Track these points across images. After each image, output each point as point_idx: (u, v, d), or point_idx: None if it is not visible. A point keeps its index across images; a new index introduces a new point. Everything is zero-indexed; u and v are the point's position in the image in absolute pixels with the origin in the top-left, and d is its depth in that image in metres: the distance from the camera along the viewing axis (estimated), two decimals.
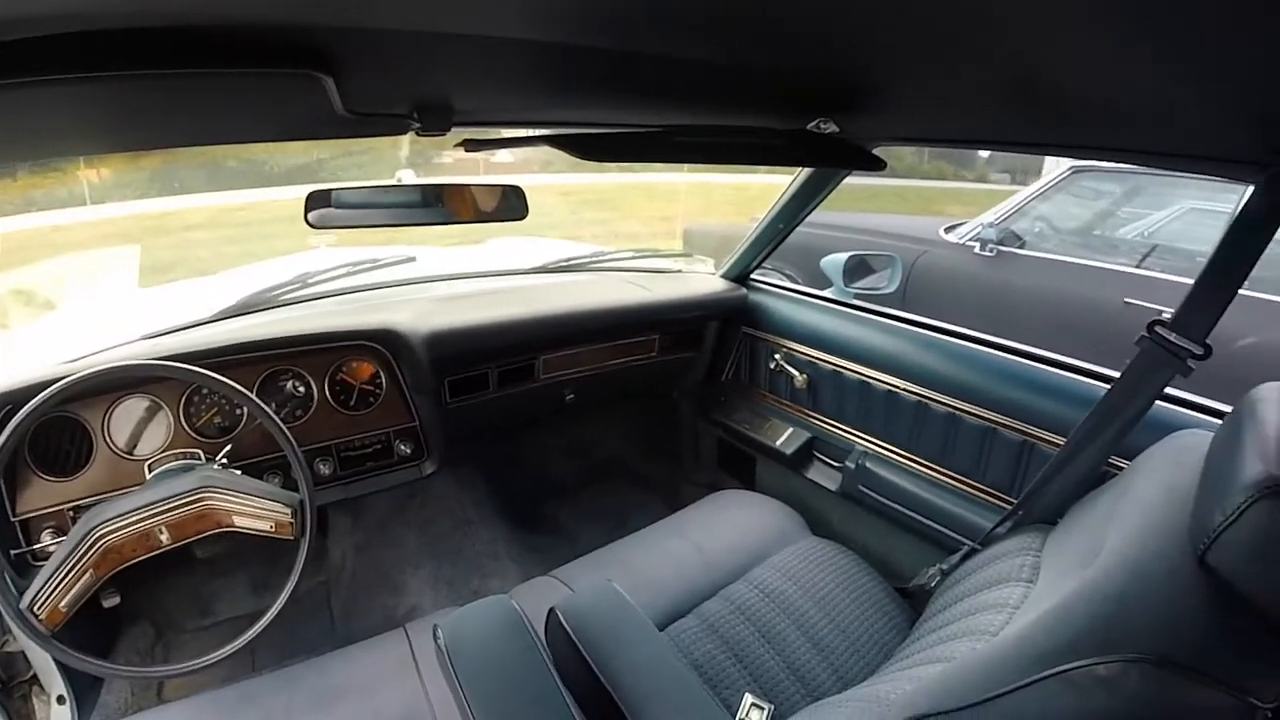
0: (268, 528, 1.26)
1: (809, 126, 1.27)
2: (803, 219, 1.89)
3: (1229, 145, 1.10)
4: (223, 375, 1.27)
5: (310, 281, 1.79)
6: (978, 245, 3.52)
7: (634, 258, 2.24)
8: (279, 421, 1.29)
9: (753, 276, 2.11)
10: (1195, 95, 0.84)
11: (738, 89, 1.00)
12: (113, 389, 1.35)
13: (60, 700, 1.39)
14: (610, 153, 1.11)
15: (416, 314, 1.64)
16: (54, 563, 1.13)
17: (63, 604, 1.12)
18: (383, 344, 1.59)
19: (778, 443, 1.95)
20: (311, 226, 1.12)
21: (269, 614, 1.28)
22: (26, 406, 1.10)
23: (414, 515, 2.09)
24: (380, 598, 1.92)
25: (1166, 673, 0.64)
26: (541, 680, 1.04)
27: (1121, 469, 1.13)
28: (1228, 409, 0.85)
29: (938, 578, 1.42)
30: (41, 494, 1.29)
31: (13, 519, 1.27)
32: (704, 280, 2.11)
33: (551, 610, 1.15)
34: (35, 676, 1.41)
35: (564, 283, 2.02)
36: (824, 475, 1.90)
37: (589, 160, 1.03)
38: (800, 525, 1.66)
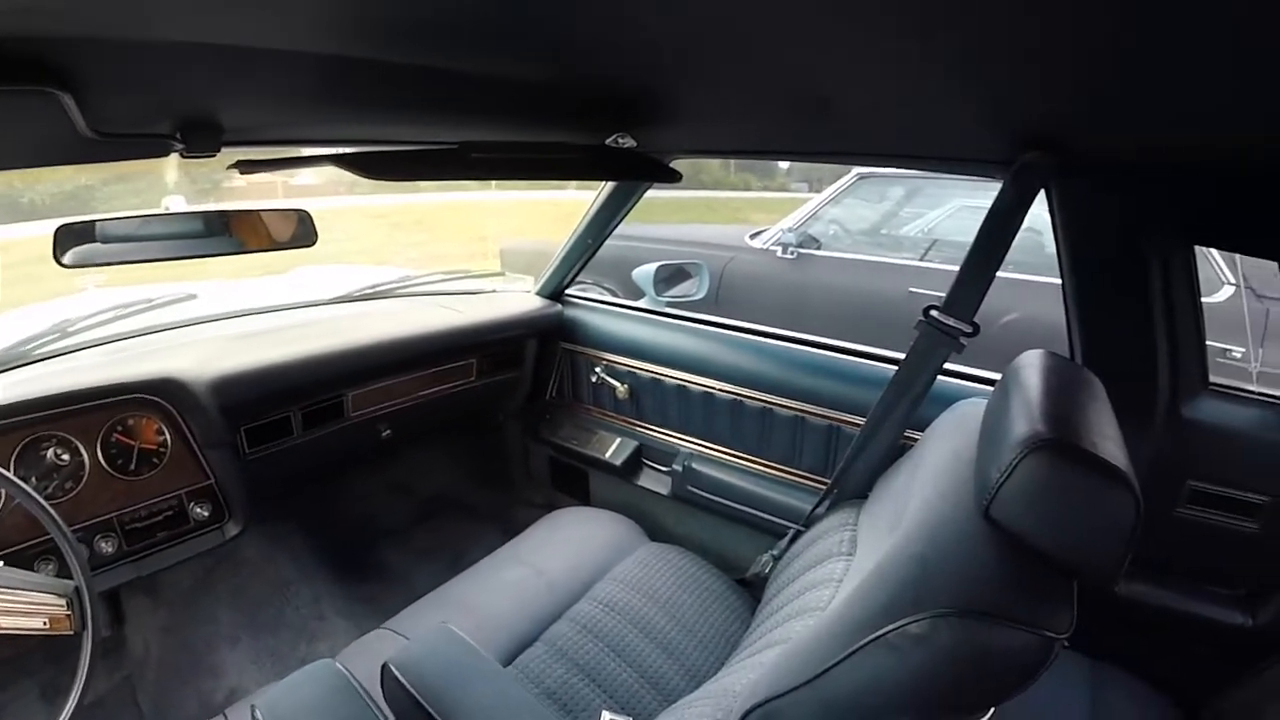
0: (40, 624, 1.07)
1: (607, 141, 1.31)
2: (610, 232, 1.95)
3: (980, 147, 1.26)
4: None
5: (71, 330, 1.58)
6: (780, 249, 3.77)
7: (445, 280, 2.20)
8: (38, 498, 1.09)
9: (568, 292, 2.14)
10: (950, 106, 0.96)
11: (535, 104, 1.01)
12: None
13: None
14: (401, 171, 1.08)
15: (200, 357, 1.49)
16: None
17: None
18: (161, 395, 1.40)
19: (607, 455, 1.98)
20: (65, 267, 1.01)
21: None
22: None
23: (223, 585, 1.86)
24: (195, 683, 1.70)
25: (971, 621, 0.70)
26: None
27: (916, 440, 1.25)
28: (999, 377, 0.96)
29: (770, 564, 1.50)
30: None
31: None
32: (519, 299, 2.11)
33: (384, 665, 1.08)
34: None
35: (371, 311, 1.94)
36: (655, 481, 1.95)
37: (379, 180, 1.00)
38: (638, 533, 1.70)
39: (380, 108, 1.02)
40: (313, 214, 1.24)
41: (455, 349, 1.89)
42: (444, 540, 2.23)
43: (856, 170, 3.81)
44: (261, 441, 1.59)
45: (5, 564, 1.14)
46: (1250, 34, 0.53)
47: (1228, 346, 2.50)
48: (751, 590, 1.53)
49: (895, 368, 1.40)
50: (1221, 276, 2.84)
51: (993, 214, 1.23)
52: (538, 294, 2.12)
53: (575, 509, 1.82)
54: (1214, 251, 2.79)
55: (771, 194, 10.98)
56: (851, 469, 1.42)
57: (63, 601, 1.09)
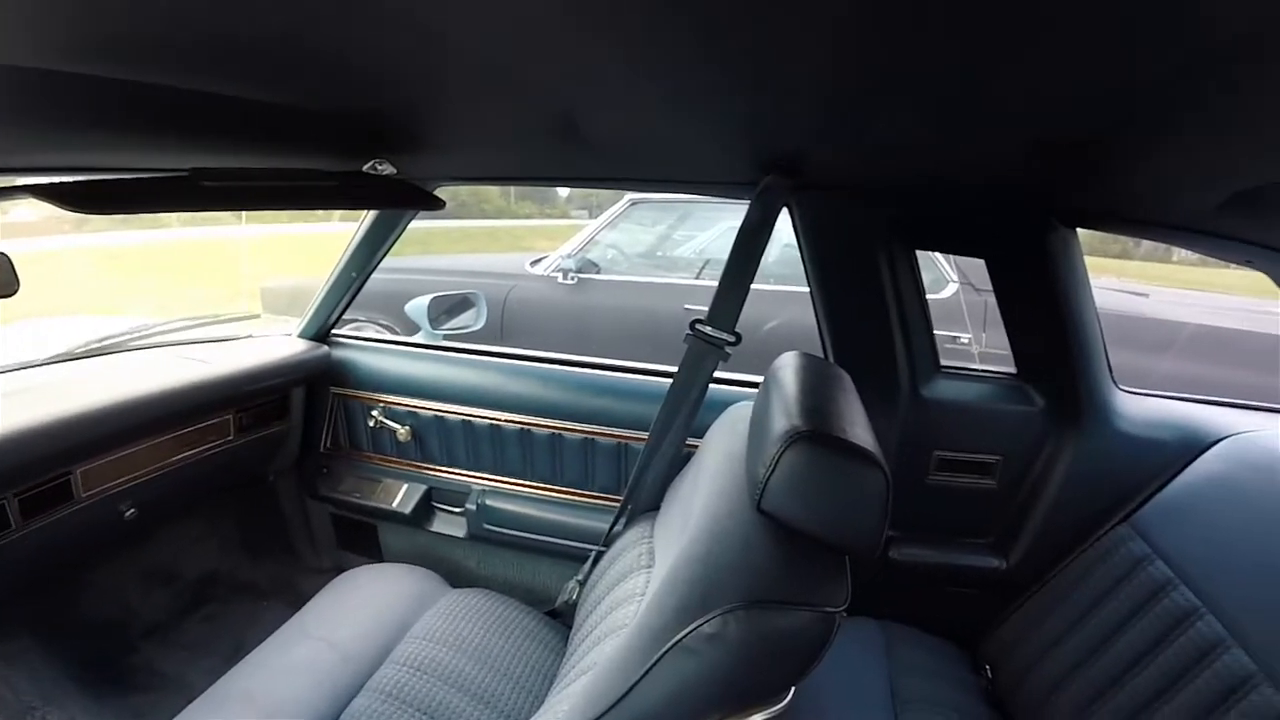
0: None
1: (365, 168, 1.26)
2: (376, 265, 1.87)
3: (728, 170, 1.39)
4: None
5: None
6: (560, 275, 3.84)
7: (192, 326, 1.97)
8: None
9: (335, 332, 2.01)
10: (698, 134, 1.04)
11: (280, 128, 0.95)
12: None
13: None
14: (117, 203, 0.97)
15: None
16: None
17: None
18: None
19: (394, 504, 1.88)
20: None
21: None
22: None
23: None
24: None
25: (756, 611, 0.75)
26: None
27: (696, 448, 1.32)
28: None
29: (577, 590, 1.50)
30: None
31: None
32: (280, 343, 1.93)
33: None
34: None
35: (102, 370, 1.67)
36: (449, 524, 1.88)
37: (90, 213, 0.88)
38: (437, 583, 1.61)
39: (92, 129, 0.91)
40: (24, 256, 1.06)
41: (206, 405, 1.67)
42: (221, 628, 1.96)
43: (629, 196, 3.97)
44: None
45: None
46: (923, 89, 0.66)
47: (956, 334, 2.96)
48: (563, 620, 1.52)
49: (668, 380, 1.46)
50: (947, 276, 3.33)
51: (742, 231, 1.35)
52: (301, 336, 1.96)
53: (365, 568, 1.68)
54: (939, 258, 3.29)
55: (553, 221, 11.15)
56: (641, 483, 1.47)
57: None
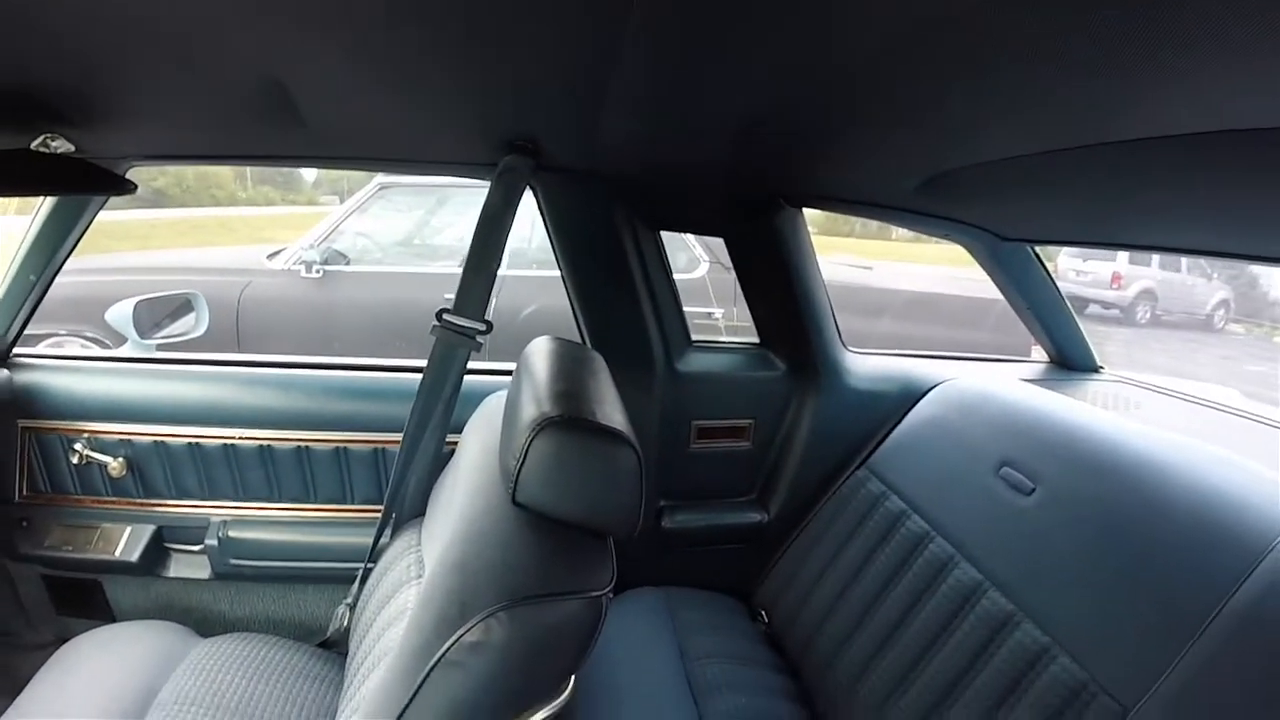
0: None
1: (33, 145, 1.06)
2: (61, 264, 1.55)
3: (465, 150, 1.32)
4: None
5: None
6: (303, 269, 3.53)
7: None
8: None
9: (17, 351, 1.65)
10: (429, 114, 1.00)
11: None
12: None
13: None
14: None
15: None
16: None
17: None
18: None
19: (117, 552, 1.60)
20: None
21: None
22: None
23: None
24: None
25: (520, 609, 0.73)
26: None
27: (457, 444, 1.28)
28: None
29: (347, 614, 1.40)
30: None
31: None
32: None
33: None
34: None
35: None
36: (189, 566, 1.65)
37: None
38: (184, 635, 1.41)
39: None
40: None
41: None
42: None
43: (377, 179, 3.73)
44: None
45: None
46: (625, 87, 0.67)
47: (710, 310, 3.19)
48: (338, 648, 1.41)
49: (419, 375, 1.40)
50: (699, 256, 3.55)
51: (484, 214, 1.29)
52: None
53: (93, 632, 1.42)
54: (690, 239, 3.50)
55: (298, 209, 10.27)
56: (402, 489, 1.39)
57: None
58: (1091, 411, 1.33)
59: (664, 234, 1.61)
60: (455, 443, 1.34)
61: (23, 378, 1.61)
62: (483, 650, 0.72)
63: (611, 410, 0.85)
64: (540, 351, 0.99)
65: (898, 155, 0.99)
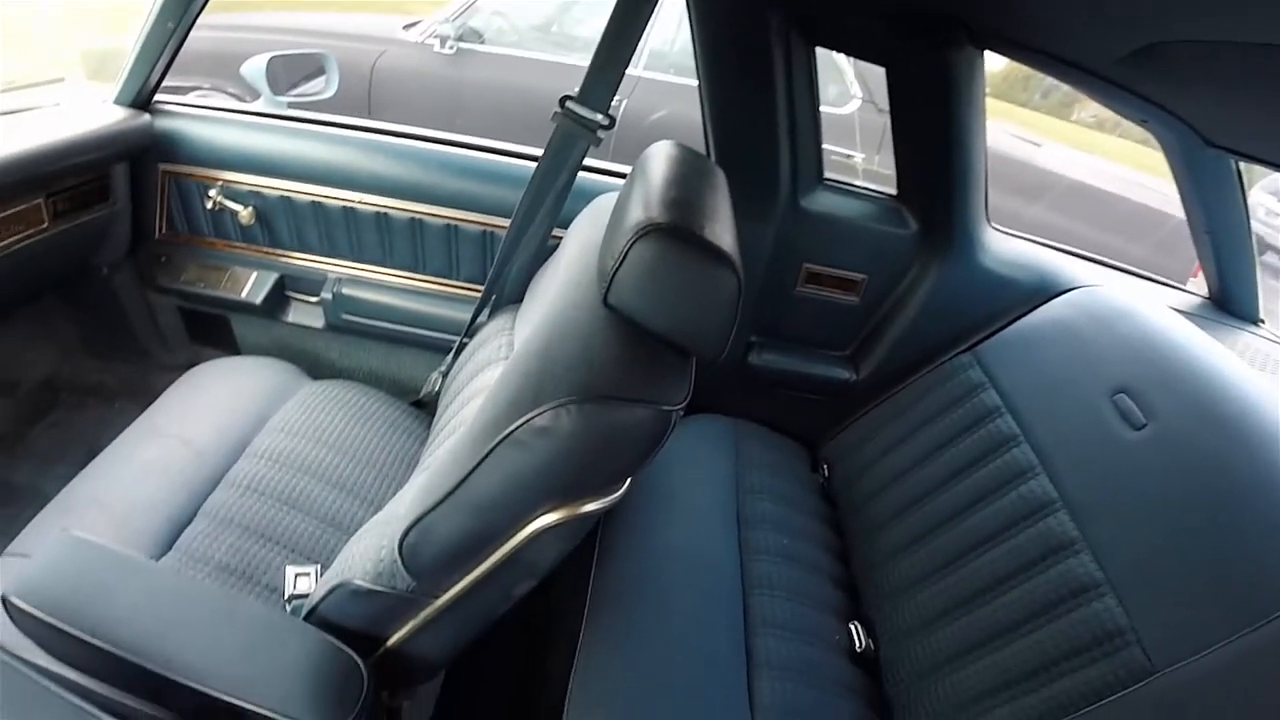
0: None
1: None
2: (198, 12, 1.52)
3: None
4: None
5: None
6: (437, 43, 3.42)
7: None
8: None
9: (158, 98, 1.69)
10: None
11: None
12: None
13: None
14: None
15: None
16: None
17: None
18: None
19: (244, 294, 1.73)
20: None
21: None
22: None
23: None
24: None
25: (592, 405, 0.73)
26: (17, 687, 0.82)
27: (561, 239, 1.25)
28: None
29: (439, 381, 1.49)
30: None
31: None
32: (91, 113, 1.61)
33: (3, 600, 0.90)
34: None
35: None
36: (306, 314, 1.77)
37: None
38: (295, 375, 1.54)
39: None
40: None
41: (9, 189, 1.41)
42: (72, 435, 1.85)
43: None
44: None
45: None
46: None
47: (850, 152, 2.90)
48: (428, 410, 1.52)
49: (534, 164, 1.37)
50: (853, 91, 3.21)
51: (621, 2, 1.22)
52: (116, 103, 1.64)
53: (218, 361, 1.58)
54: (848, 70, 3.16)
55: None
56: (504, 273, 1.42)
57: None
58: (1235, 363, 1.16)
59: (819, 57, 1.45)
60: (560, 238, 1.33)
61: (163, 124, 1.66)
62: (548, 436, 0.74)
63: (722, 230, 0.81)
64: (660, 155, 0.93)
65: (1120, 5, 0.82)
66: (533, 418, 0.74)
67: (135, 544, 1.14)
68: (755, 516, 1.35)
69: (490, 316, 1.45)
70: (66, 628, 0.87)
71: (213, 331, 1.88)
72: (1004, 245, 1.55)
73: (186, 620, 0.92)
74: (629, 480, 0.86)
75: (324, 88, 1.91)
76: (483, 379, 1.16)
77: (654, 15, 1.24)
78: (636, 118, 3.13)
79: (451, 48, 3.41)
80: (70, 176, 1.54)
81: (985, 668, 1.03)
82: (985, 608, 1.08)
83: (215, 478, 1.27)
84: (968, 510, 1.20)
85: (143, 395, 1.79)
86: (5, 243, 1.45)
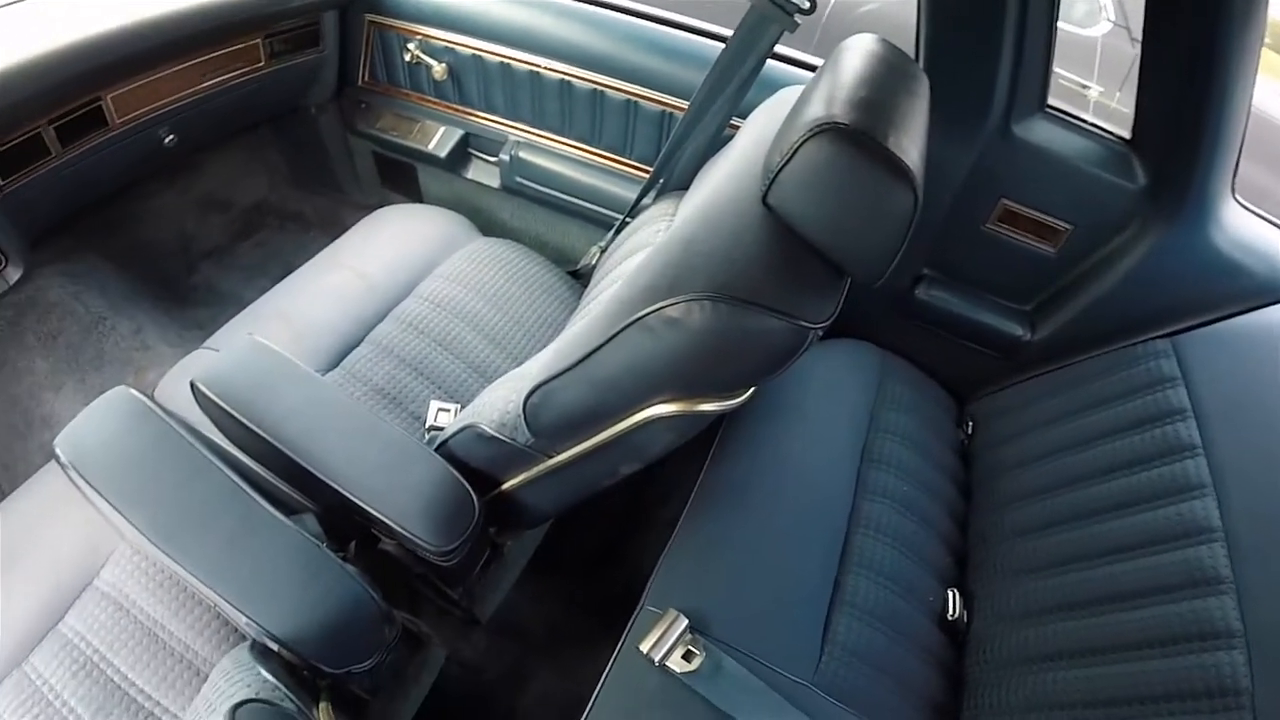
0: None
1: None
2: None
3: None
4: None
5: None
6: None
7: None
8: None
9: None
10: None
11: None
12: None
13: None
14: None
15: None
16: None
17: None
18: None
19: (430, 146, 1.78)
20: None
21: None
22: None
23: (32, 334, 1.68)
24: (32, 438, 1.60)
25: (726, 305, 0.70)
26: (179, 451, 0.97)
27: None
28: None
29: (597, 255, 1.52)
30: None
31: None
32: None
33: (192, 384, 1.05)
34: None
35: None
36: (484, 173, 1.81)
37: None
38: (468, 229, 1.61)
39: None
40: None
41: (232, 28, 1.51)
42: (273, 253, 2.07)
43: None
44: (16, 170, 1.29)
45: None
46: None
47: (1087, 83, 2.42)
48: (582, 281, 1.55)
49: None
50: (1105, 11, 2.70)
51: None
52: None
53: (400, 206, 1.68)
54: None
55: None
56: (675, 157, 1.37)
57: None
58: None
59: None
60: (738, 127, 1.27)
61: None
62: (676, 327, 0.72)
63: (909, 142, 0.69)
64: (857, 49, 0.80)
65: None
66: (664, 306, 0.72)
67: (307, 357, 1.27)
68: (882, 456, 1.25)
69: (655, 199, 1.43)
70: (238, 415, 1.02)
71: (400, 178, 1.97)
72: (1244, 224, 1.25)
73: (337, 429, 1.04)
74: (752, 389, 0.84)
75: None
76: (634, 261, 1.12)
77: None
78: (844, 8, 2.78)
79: None
80: (285, 20, 1.62)
81: (1076, 679, 0.93)
82: (1098, 619, 0.96)
83: (383, 311, 1.39)
84: (1114, 512, 1.05)
85: (334, 227, 1.97)
86: (228, 76, 1.58)
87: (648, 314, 0.73)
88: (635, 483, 1.02)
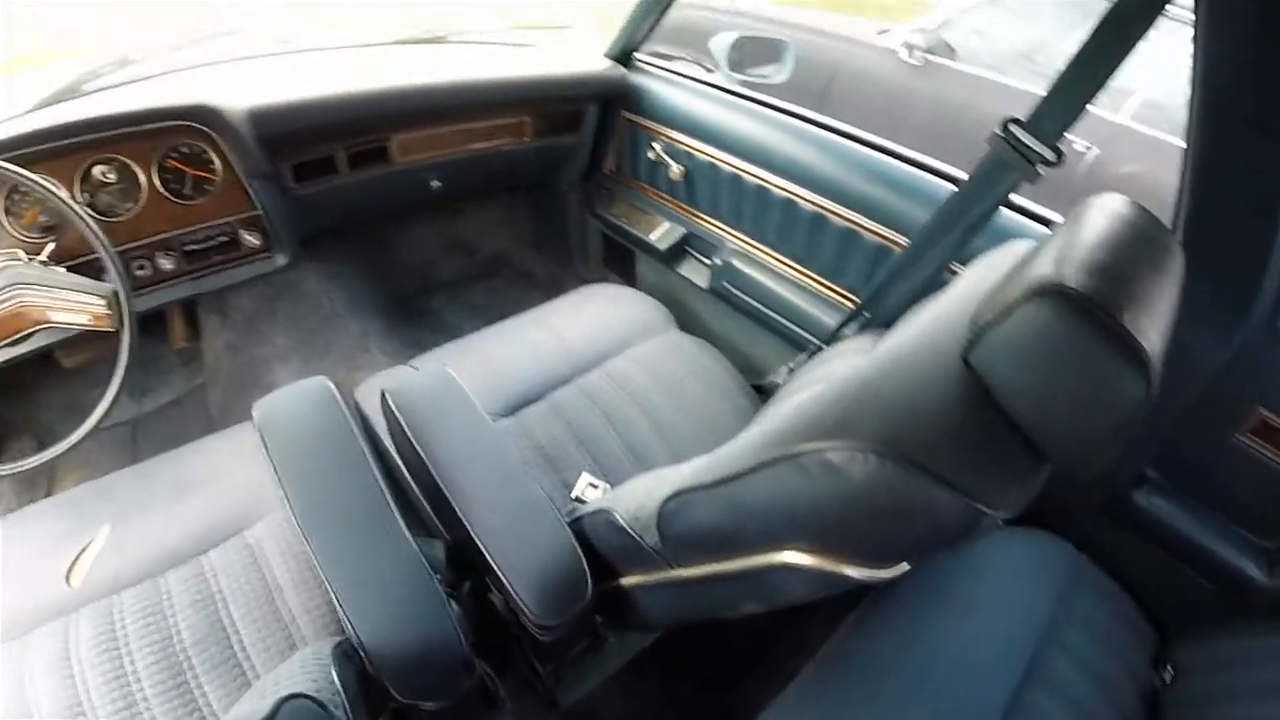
0: (85, 320, 1.15)
1: None
2: None
3: None
4: (34, 170, 1.13)
5: (131, 59, 1.54)
6: (905, 51, 3.28)
7: (509, 28, 1.98)
8: (73, 205, 1.14)
9: (636, 56, 1.89)
10: None
11: None
12: None
13: None
14: None
15: (241, 88, 1.44)
16: None
17: None
18: (200, 122, 1.38)
19: (653, 237, 1.87)
20: None
21: (104, 401, 1.19)
22: None
23: (283, 312, 1.98)
24: (253, 396, 1.82)
25: (893, 464, 0.60)
26: (346, 451, 1.02)
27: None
28: None
29: (786, 375, 1.45)
30: None
31: None
32: (583, 58, 1.89)
33: (383, 393, 1.12)
34: None
35: (423, 55, 1.80)
36: (695, 272, 1.85)
37: None
38: (667, 320, 1.63)
39: None
40: None
41: (505, 103, 1.74)
42: (497, 300, 2.25)
43: None
44: (308, 177, 1.56)
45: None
46: None
47: None
48: (765, 397, 1.49)
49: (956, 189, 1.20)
50: None
51: (1109, 15, 0.98)
52: (606, 55, 1.88)
53: (610, 285, 1.76)
54: None
55: None
56: (886, 293, 1.30)
57: (102, 301, 1.15)
58: None
59: None
60: (956, 273, 1.18)
61: (636, 78, 1.85)
62: (833, 474, 0.63)
63: (1149, 322, 0.56)
64: (1103, 208, 0.68)
65: None
66: (825, 447, 0.64)
67: (489, 397, 1.31)
68: (1050, 679, 0.99)
69: (856, 331, 1.37)
70: (409, 432, 1.07)
71: (621, 260, 2.09)
72: None
73: (486, 472, 1.05)
74: (906, 565, 0.72)
75: (775, 73, 1.96)
76: (814, 389, 1.07)
77: (1137, 47, 0.98)
78: (1101, 164, 2.66)
79: (918, 58, 3.24)
80: (553, 106, 1.82)
81: None
82: None
83: (569, 376, 1.41)
84: None
85: (554, 291, 2.10)
86: (496, 142, 1.79)
87: (806, 451, 0.66)
88: (765, 618, 0.91)
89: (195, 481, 1.19)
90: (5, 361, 1.25)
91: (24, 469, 1.18)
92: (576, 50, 1.93)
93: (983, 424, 0.60)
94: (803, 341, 1.57)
